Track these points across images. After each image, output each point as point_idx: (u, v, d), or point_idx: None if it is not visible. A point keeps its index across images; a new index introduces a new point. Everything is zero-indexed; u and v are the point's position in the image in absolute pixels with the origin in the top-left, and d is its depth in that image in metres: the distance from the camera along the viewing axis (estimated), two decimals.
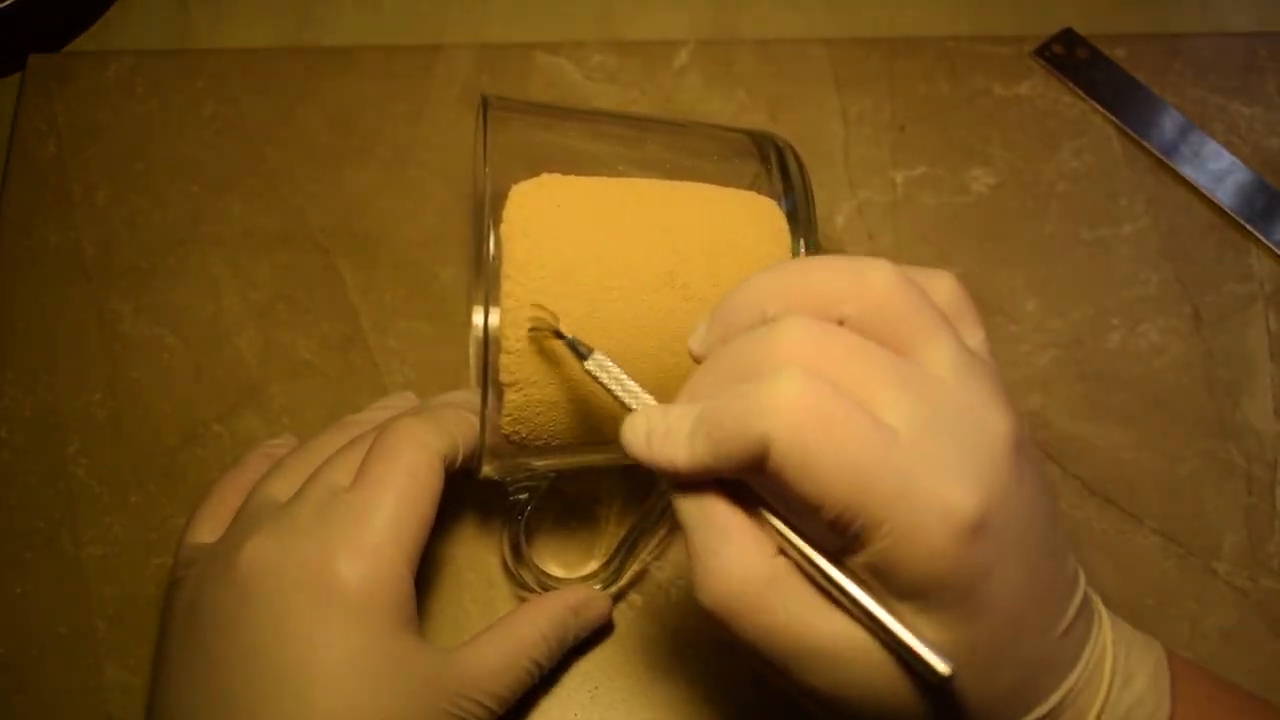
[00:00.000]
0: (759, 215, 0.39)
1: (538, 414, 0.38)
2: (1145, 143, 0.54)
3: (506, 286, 0.37)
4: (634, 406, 0.34)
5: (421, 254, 0.52)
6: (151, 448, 0.49)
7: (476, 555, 0.46)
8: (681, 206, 0.39)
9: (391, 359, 0.50)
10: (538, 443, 0.39)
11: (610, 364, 0.35)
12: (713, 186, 0.40)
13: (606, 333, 0.37)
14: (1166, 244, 0.52)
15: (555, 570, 0.46)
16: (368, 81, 0.56)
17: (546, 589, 0.43)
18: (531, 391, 0.38)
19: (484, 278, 0.38)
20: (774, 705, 0.44)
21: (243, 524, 0.40)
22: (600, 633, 0.44)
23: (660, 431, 0.31)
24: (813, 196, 0.40)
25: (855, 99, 0.55)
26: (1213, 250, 0.52)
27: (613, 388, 0.34)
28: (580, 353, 0.35)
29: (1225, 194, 0.53)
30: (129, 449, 0.48)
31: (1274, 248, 0.52)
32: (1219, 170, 0.53)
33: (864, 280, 0.30)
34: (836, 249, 0.52)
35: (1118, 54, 0.56)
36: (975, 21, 0.58)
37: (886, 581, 0.29)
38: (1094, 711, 0.31)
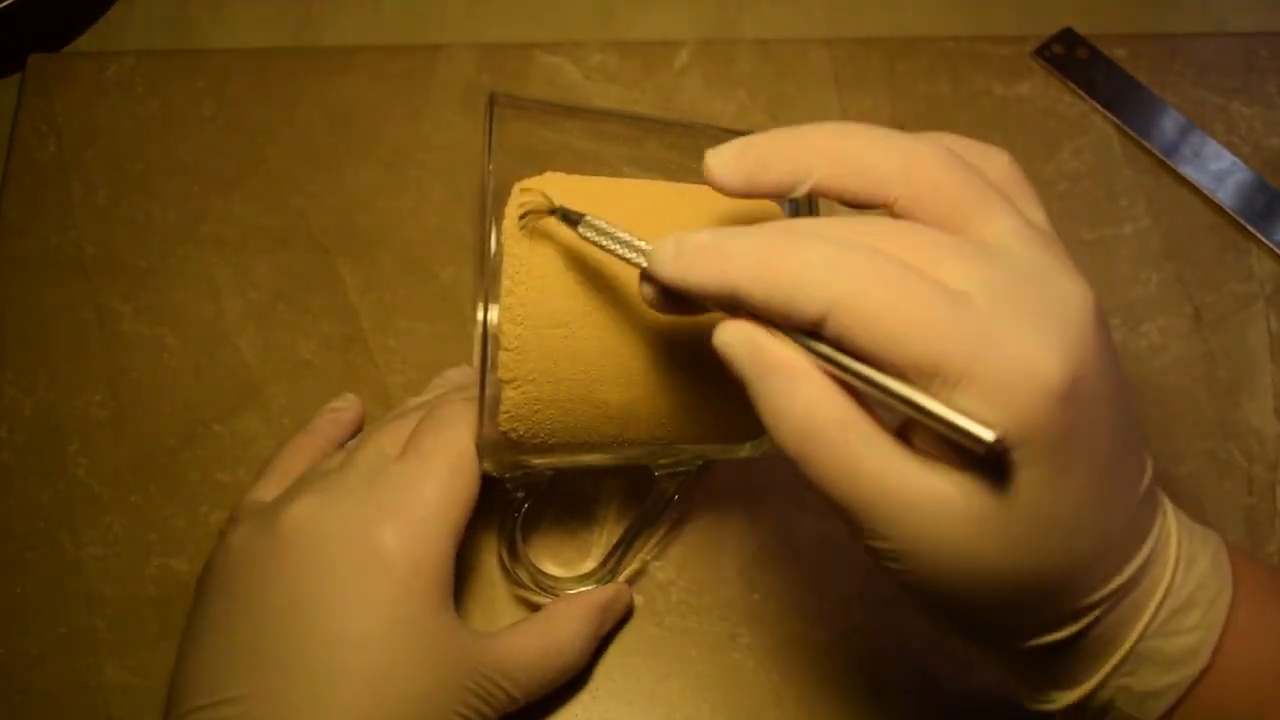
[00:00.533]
0: (758, 217, 0.39)
1: (535, 412, 0.38)
2: (1145, 143, 0.54)
3: (507, 284, 0.37)
4: (640, 262, 0.32)
5: (421, 254, 0.52)
6: (151, 448, 0.48)
7: (478, 555, 0.46)
8: (683, 208, 0.39)
9: (392, 359, 0.50)
10: (535, 441, 0.39)
11: (604, 223, 0.33)
12: (711, 188, 0.40)
13: (605, 330, 0.37)
14: (1166, 244, 0.52)
15: (552, 569, 0.46)
16: (368, 81, 0.55)
17: (542, 588, 0.43)
18: (530, 389, 0.38)
19: (485, 275, 0.38)
20: (776, 707, 0.44)
21: (295, 487, 0.41)
22: None
23: (694, 248, 0.29)
24: (816, 199, 0.40)
25: (855, 99, 0.55)
26: (1213, 250, 0.52)
27: (613, 248, 0.33)
28: (571, 220, 0.34)
29: (1225, 194, 0.53)
30: (129, 449, 0.48)
31: (1274, 248, 0.52)
32: (1219, 170, 0.53)
33: (916, 159, 0.29)
34: None
35: (1118, 54, 0.56)
36: (975, 21, 0.58)
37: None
38: (1160, 591, 0.31)
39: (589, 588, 0.43)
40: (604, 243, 0.33)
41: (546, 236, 0.37)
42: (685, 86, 0.55)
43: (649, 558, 0.46)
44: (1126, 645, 0.31)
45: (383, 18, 0.59)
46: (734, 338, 0.30)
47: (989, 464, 0.28)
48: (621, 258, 0.33)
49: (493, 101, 0.40)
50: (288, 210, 0.53)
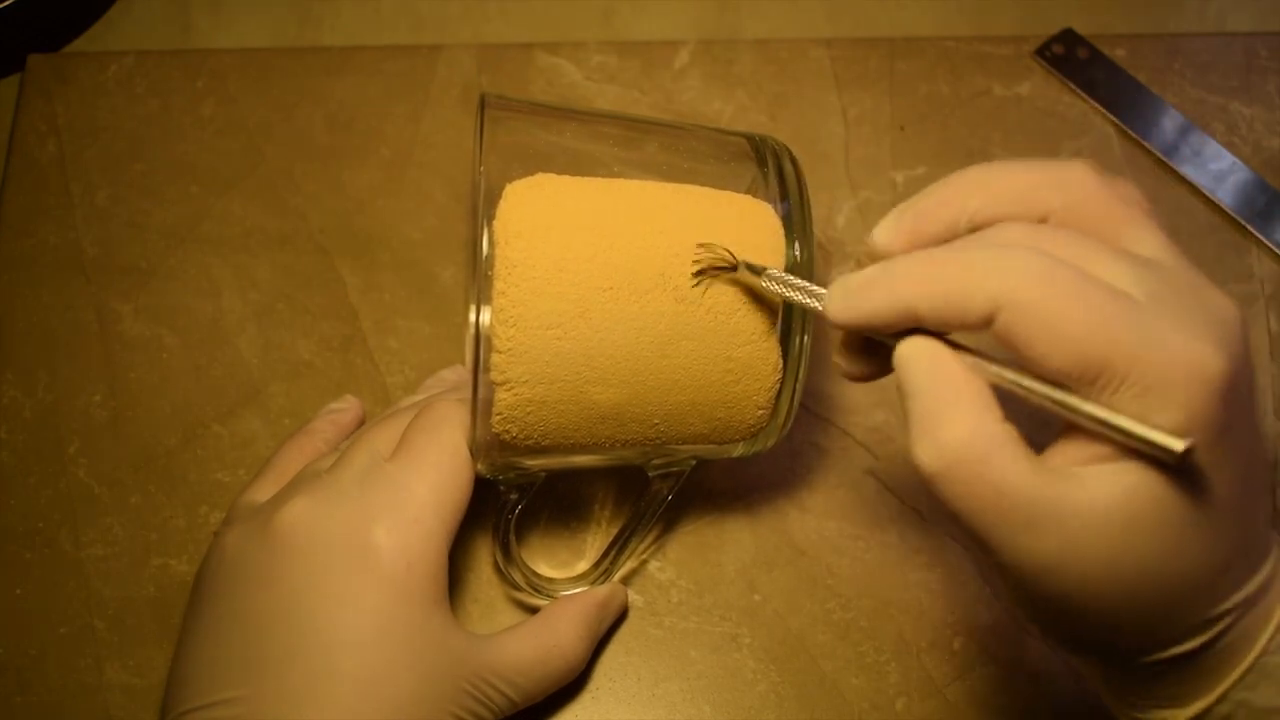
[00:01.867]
0: (754, 219, 0.39)
1: (528, 413, 0.38)
2: (1145, 143, 0.54)
3: (499, 285, 0.37)
4: (819, 306, 0.33)
5: (421, 254, 0.52)
6: (151, 448, 0.48)
7: (475, 556, 0.46)
8: (676, 209, 0.39)
9: (391, 359, 0.50)
10: (528, 442, 0.39)
11: (784, 274, 0.35)
12: (708, 190, 0.40)
13: (597, 332, 0.37)
14: None
15: (545, 570, 0.46)
16: (368, 81, 0.55)
17: (537, 589, 0.43)
18: (522, 391, 0.37)
19: (477, 276, 0.38)
20: (776, 708, 0.44)
21: (289, 488, 0.41)
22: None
23: (861, 282, 0.30)
24: (809, 201, 0.40)
25: (855, 99, 0.55)
26: (1213, 250, 0.52)
27: (795, 296, 0.34)
28: (754, 270, 0.36)
29: (1225, 194, 0.53)
30: (129, 449, 0.48)
31: (1274, 248, 0.52)
32: (1219, 170, 0.53)
33: (1065, 176, 0.31)
34: (837, 249, 0.52)
35: (1118, 54, 0.56)
36: (975, 21, 0.58)
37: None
38: (1276, 617, 0.31)
39: (583, 588, 0.43)
40: (787, 292, 0.35)
41: (540, 235, 0.37)
42: (685, 87, 0.55)
43: (645, 557, 0.46)
44: (1251, 656, 0.31)
45: (383, 18, 0.59)
46: (914, 349, 0.30)
47: (1169, 468, 0.28)
48: (804, 305, 0.34)
49: (483, 103, 0.40)
50: (288, 210, 0.53)
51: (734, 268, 0.37)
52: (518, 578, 0.43)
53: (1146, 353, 0.27)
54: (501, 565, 0.43)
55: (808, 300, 0.34)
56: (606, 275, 0.37)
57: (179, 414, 0.49)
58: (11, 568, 0.46)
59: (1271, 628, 0.31)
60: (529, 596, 0.44)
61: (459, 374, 0.47)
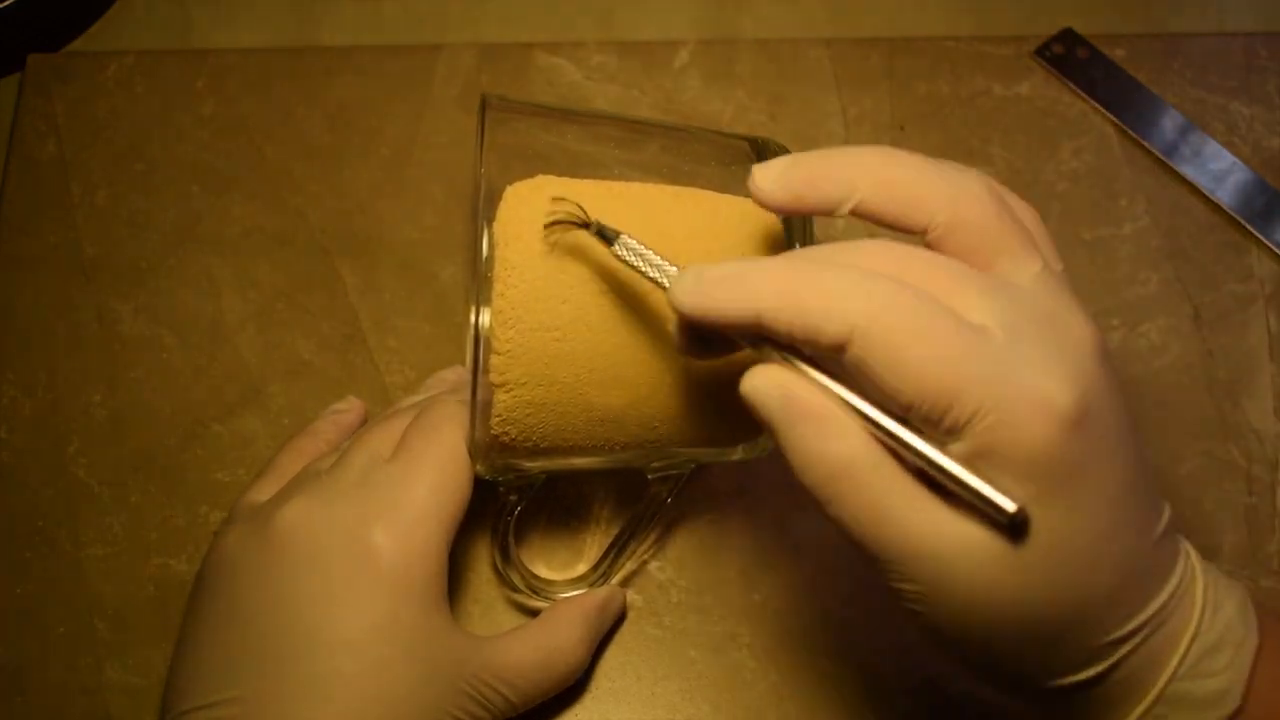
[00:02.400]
0: (755, 223, 0.39)
1: (527, 415, 0.38)
2: (1145, 143, 0.54)
3: (498, 287, 0.37)
4: (667, 284, 0.33)
5: (421, 254, 0.52)
6: (151, 448, 0.48)
7: (476, 555, 0.46)
8: (677, 212, 0.39)
9: (391, 359, 0.50)
10: (527, 444, 0.39)
11: (639, 245, 0.34)
12: (709, 193, 0.40)
13: (597, 335, 0.37)
14: (1166, 244, 0.52)
15: (544, 572, 0.46)
16: (368, 81, 0.55)
17: (535, 591, 0.43)
18: (521, 393, 0.37)
19: (477, 277, 0.38)
20: (776, 708, 0.44)
21: (288, 488, 0.40)
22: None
23: (717, 276, 0.30)
24: (812, 225, 0.40)
25: (855, 99, 0.55)
26: (1213, 250, 0.52)
27: (645, 269, 0.34)
28: (606, 237, 0.35)
29: (1225, 194, 0.53)
30: (129, 449, 0.48)
31: (1274, 248, 0.52)
32: (1219, 170, 0.53)
33: (957, 193, 0.31)
34: None
35: (1118, 54, 0.56)
36: (975, 21, 0.58)
37: (982, 473, 0.29)
38: (1189, 632, 0.31)
39: (582, 591, 0.43)
40: (637, 264, 0.34)
41: (539, 238, 0.37)
42: (685, 86, 0.55)
43: (646, 558, 0.46)
44: (1157, 687, 0.31)
45: (383, 17, 0.59)
46: (763, 383, 0.31)
47: (1016, 528, 0.29)
48: (653, 280, 0.34)
49: (485, 104, 0.39)
50: (287, 210, 0.53)
51: (586, 225, 0.36)
52: (516, 579, 0.43)
53: (993, 389, 0.28)
54: (500, 567, 0.43)
55: (656, 276, 0.33)
56: (606, 278, 0.37)
57: (179, 414, 0.49)
58: (11, 567, 0.46)
59: (1178, 654, 0.31)
60: (527, 599, 0.44)
61: (459, 374, 0.47)
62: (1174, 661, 0.31)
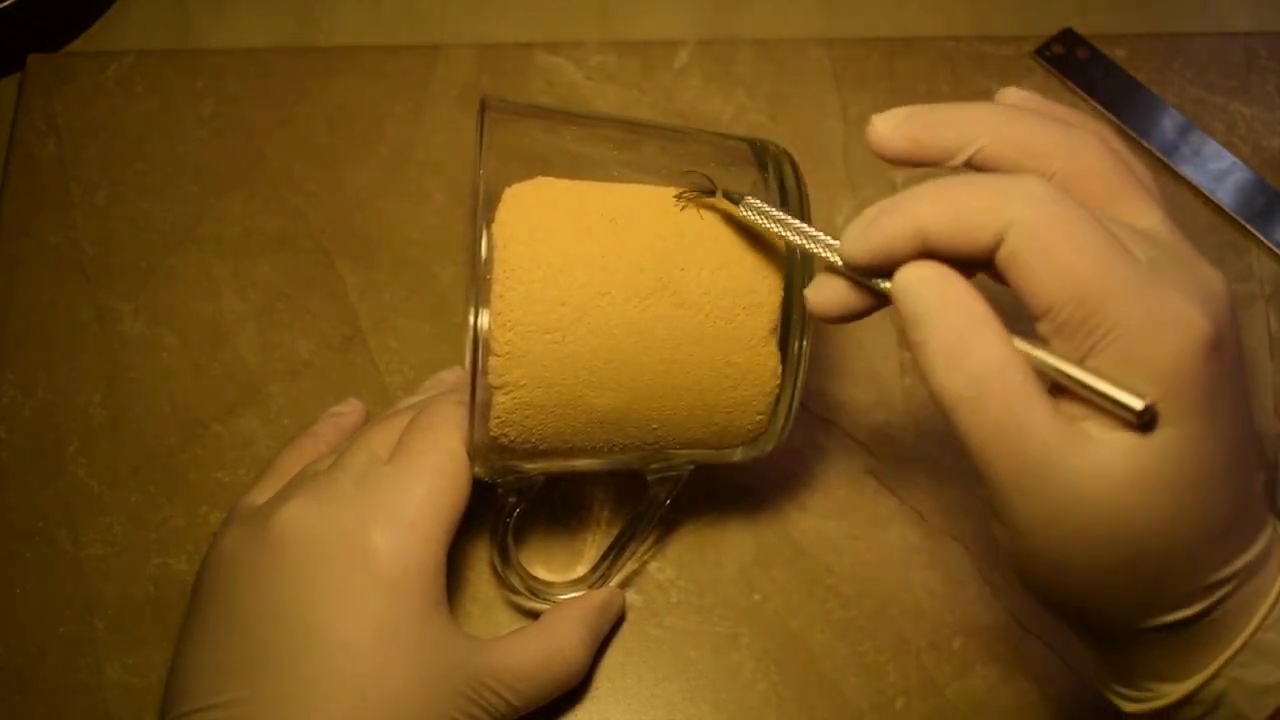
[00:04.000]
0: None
1: (526, 417, 0.38)
2: (1145, 143, 0.54)
3: (497, 289, 0.37)
4: (804, 244, 0.33)
5: (421, 254, 0.52)
6: (151, 448, 0.49)
7: (476, 556, 0.46)
8: (676, 213, 0.39)
9: (391, 359, 0.50)
10: (526, 446, 0.39)
11: (764, 204, 0.35)
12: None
13: (595, 336, 0.37)
14: None
15: (543, 574, 0.45)
16: (368, 81, 0.55)
17: (534, 593, 0.43)
18: (520, 394, 0.37)
19: (475, 279, 0.38)
20: (776, 708, 0.44)
21: (287, 489, 0.40)
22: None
23: (874, 213, 0.30)
24: (809, 205, 0.40)
25: (855, 99, 0.55)
26: (1213, 250, 0.52)
27: (783, 230, 0.35)
28: (733, 198, 0.36)
29: (1225, 194, 0.53)
30: (129, 449, 0.48)
31: (1274, 248, 0.52)
32: (1219, 170, 0.53)
33: (1076, 144, 0.31)
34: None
35: (1118, 54, 0.56)
36: (975, 21, 0.58)
37: (1117, 380, 0.28)
38: (1277, 585, 0.31)
39: (581, 592, 0.43)
40: (775, 227, 0.35)
41: (538, 239, 0.37)
42: (685, 86, 0.55)
43: (645, 559, 0.46)
44: (1247, 632, 0.31)
45: (382, 18, 0.59)
46: (918, 277, 0.30)
47: (1145, 426, 0.28)
48: (795, 245, 0.34)
49: (484, 105, 0.39)
50: (288, 210, 0.53)
51: (712, 192, 0.37)
52: (515, 581, 0.43)
53: (1140, 302, 0.28)
54: (499, 569, 0.43)
55: (811, 245, 0.33)
56: (605, 280, 0.37)
57: (179, 414, 0.49)
58: (11, 567, 0.46)
59: (1268, 603, 0.31)
60: (526, 600, 0.44)
61: (458, 375, 0.47)
62: (1263, 610, 0.31)
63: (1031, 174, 0.29)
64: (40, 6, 0.56)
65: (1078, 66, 0.56)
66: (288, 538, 0.38)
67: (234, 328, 0.51)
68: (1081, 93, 0.55)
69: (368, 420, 0.47)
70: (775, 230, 0.35)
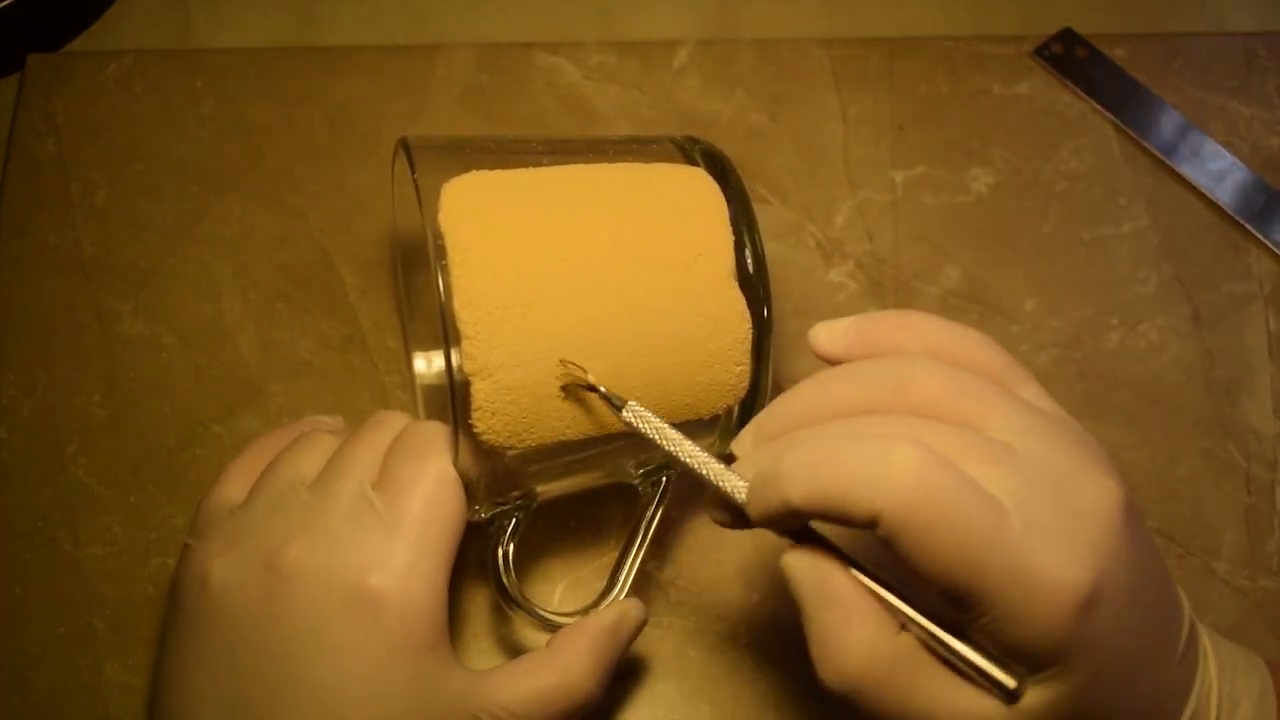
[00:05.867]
0: (688, 180, 0.40)
1: (508, 402, 0.37)
2: (1145, 143, 0.54)
3: (455, 272, 0.36)
4: (688, 461, 0.34)
5: (421, 254, 0.52)
6: (151, 448, 0.49)
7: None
8: (614, 181, 0.39)
9: (391, 359, 0.50)
10: (511, 441, 0.38)
11: (648, 414, 0.35)
12: (638, 164, 0.40)
13: (563, 304, 0.36)
14: (1166, 244, 0.52)
15: (548, 605, 0.45)
16: (368, 81, 0.55)
17: (542, 621, 0.41)
18: (499, 377, 0.36)
19: (444, 327, 0.37)
20: (775, 707, 0.44)
21: (268, 505, 0.39)
22: None
23: (758, 482, 0.31)
24: (745, 190, 0.41)
25: (855, 99, 0.55)
26: (1212, 250, 0.52)
27: (661, 441, 0.35)
28: (614, 404, 0.35)
29: (1225, 194, 0.53)
30: (128, 449, 0.48)
31: (1273, 248, 0.52)
32: (1218, 170, 0.53)
33: (905, 385, 0.32)
34: (836, 249, 0.52)
35: (1118, 54, 0.56)
36: (975, 21, 0.58)
37: (1000, 647, 0.29)
38: None
39: (589, 614, 0.41)
40: (655, 438, 0.35)
41: (487, 219, 0.37)
42: (684, 86, 0.56)
43: (650, 569, 0.46)
44: None
45: (382, 17, 0.59)
46: (800, 564, 0.32)
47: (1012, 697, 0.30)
48: (675, 459, 0.35)
49: (406, 148, 0.39)
50: (287, 210, 0.53)
51: (593, 388, 0.37)
52: (521, 615, 0.41)
53: (1010, 575, 0.28)
54: (501, 602, 0.41)
55: (684, 456, 0.34)
56: (561, 246, 0.37)
57: (178, 414, 0.49)
58: (11, 567, 0.46)
59: None
60: (536, 631, 0.43)
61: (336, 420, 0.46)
62: None
63: (902, 441, 0.29)
64: (40, 6, 0.56)
65: (1077, 66, 0.56)
66: (287, 583, 0.37)
67: (234, 328, 0.51)
68: (1081, 93, 0.55)
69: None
70: (655, 440, 0.35)
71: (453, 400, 0.37)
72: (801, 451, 0.31)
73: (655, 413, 0.37)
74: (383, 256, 0.52)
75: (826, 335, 0.35)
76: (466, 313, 0.36)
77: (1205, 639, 0.34)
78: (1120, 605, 0.30)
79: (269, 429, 0.48)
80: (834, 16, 0.59)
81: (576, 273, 0.37)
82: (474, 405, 0.37)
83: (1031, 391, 0.33)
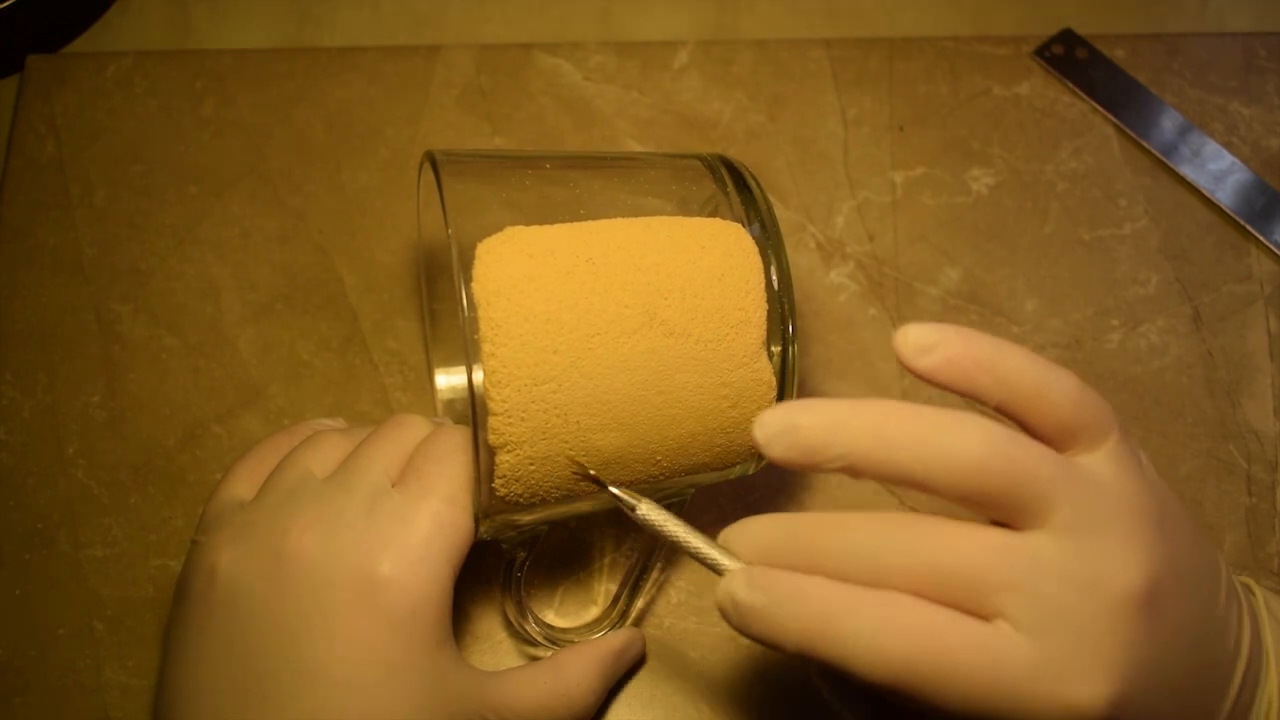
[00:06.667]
0: (727, 240, 0.39)
1: (530, 471, 0.37)
2: (1145, 143, 0.54)
3: (486, 348, 0.36)
4: (701, 560, 0.34)
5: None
6: (151, 448, 0.48)
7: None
8: (651, 243, 0.38)
9: (391, 360, 0.50)
10: (532, 499, 0.38)
11: (660, 510, 0.35)
12: (678, 218, 0.40)
13: (591, 379, 0.37)
14: (1166, 244, 0.52)
15: (557, 620, 0.45)
16: (367, 81, 0.55)
17: (553, 641, 0.42)
18: (524, 450, 0.37)
19: (465, 340, 0.37)
20: (775, 707, 0.44)
21: (280, 497, 0.39)
22: None
23: (755, 606, 0.32)
24: (773, 211, 0.40)
25: (855, 99, 0.55)
26: (1212, 250, 0.52)
27: (672, 539, 0.35)
28: (627, 505, 0.35)
29: (1225, 194, 0.53)
30: (128, 450, 0.48)
31: (1273, 248, 0.52)
32: (1218, 170, 0.53)
33: (957, 465, 0.30)
34: (836, 250, 0.52)
35: (1117, 54, 0.56)
36: (975, 21, 0.58)
37: None
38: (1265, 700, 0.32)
39: (601, 634, 0.43)
40: (667, 532, 0.35)
41: (521, 291, 0.37)
42: (684, 87, 0.56)
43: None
44: None
45: (382, 18, 0.59)
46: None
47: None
48: (686, 549, 0.35)
49: (434, 161, 0.39)
50: (287, 210, 0.53)
51: (603, 484, 0.37)
52: (533, 633, 0.42)
53: (1021, 712, 0.28)
54: (516, 623, 0.42)
55: (706, 556, 0.34)
56: (593, 321, 0.37)
57: (178, 414, 0.49)
58: (11, 568, 0.46)
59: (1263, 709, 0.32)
60: (546, 651, 0.43)
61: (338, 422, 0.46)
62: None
63: (896, 614, 0.29)
64: (40, 7, 0.56)
65: (1077, 67, 0.56)
66: (297, 568, 0.37)
67: (234, 328, 0.51)
68: (1081, 93, 0.55)
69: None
70: (669, 536, 0.35)
71: (474, 413, 0.37)
72: (798, 608, 0.31)
73: (673, 470, 0.39)
74: (383, 257, 0.52)
75: (915, 347, 0.31)
76: (496, 390, 0.36)
77: (1242, 594, 0.34)
78: (1158, 687, 0.30)
79: (269, 430, 0.48)
80: (834, 17, 0.59)
81: (607, 347, 0.37)
82: (497, 473, 0.37)
83: (1106, 447, 0.32)
